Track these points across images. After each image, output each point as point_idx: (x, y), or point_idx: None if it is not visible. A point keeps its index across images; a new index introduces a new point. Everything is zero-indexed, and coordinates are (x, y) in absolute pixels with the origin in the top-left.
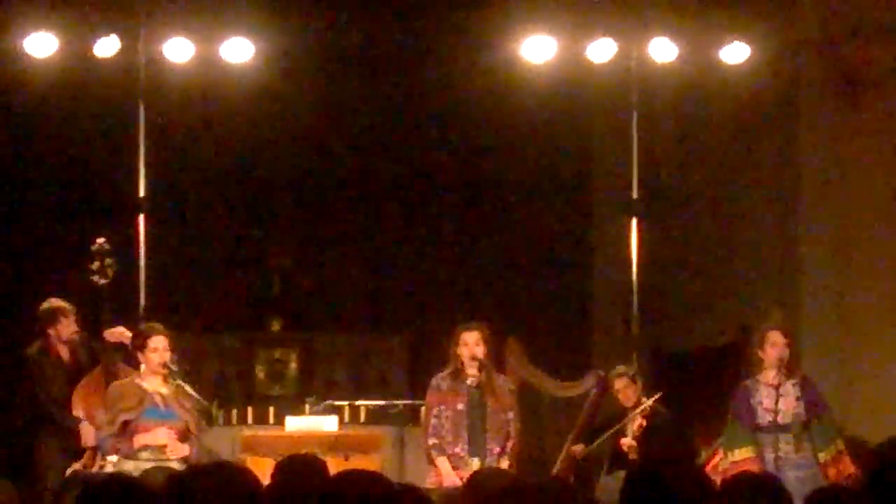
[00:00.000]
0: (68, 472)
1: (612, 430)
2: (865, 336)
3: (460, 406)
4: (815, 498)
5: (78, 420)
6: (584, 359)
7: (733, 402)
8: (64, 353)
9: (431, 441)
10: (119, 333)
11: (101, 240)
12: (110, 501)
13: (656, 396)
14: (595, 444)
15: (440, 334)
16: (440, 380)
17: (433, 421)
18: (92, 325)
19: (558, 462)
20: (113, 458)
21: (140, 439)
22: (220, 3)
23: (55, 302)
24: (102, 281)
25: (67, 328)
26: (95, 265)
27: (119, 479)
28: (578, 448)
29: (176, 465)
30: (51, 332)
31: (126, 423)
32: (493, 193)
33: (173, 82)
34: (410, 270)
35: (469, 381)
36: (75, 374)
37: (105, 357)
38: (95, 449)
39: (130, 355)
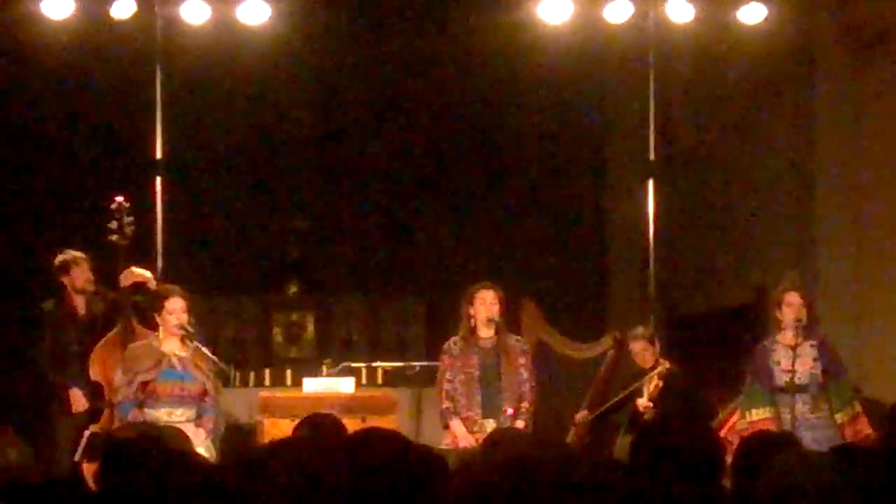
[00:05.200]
0: (87, 434)
1: (626, 392)
2: (882, 298)
3: (473, 369)
4: (832, 458)
5: (68, 385)
6: (600, 320)
7: (751, 362)
8: (80, 304)
9: (445, 405)
10: (133, 274)
11: (119, 198)
12: (139, 462)
13: (659, 369)
14: (603, 407)
15: (457, 296)
16: (452, 343)
17: (446, 385)
18: (111, 286)
19: (574, 423)
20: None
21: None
22: None
23: (68, 252)
24: (122, 241)
25: (81, 276)
26: (114, 224)
27: (147, 438)
28: (583, 414)
29: (191, 428)
30: (65, 281)
31: (144, 384)
32: (509, 155)
33: (190, 44)
34: (427, 232)
35: (482, 343)
36: (90, 327)
37: (123, 318)
38: (112, 409)
39: (148, 315)
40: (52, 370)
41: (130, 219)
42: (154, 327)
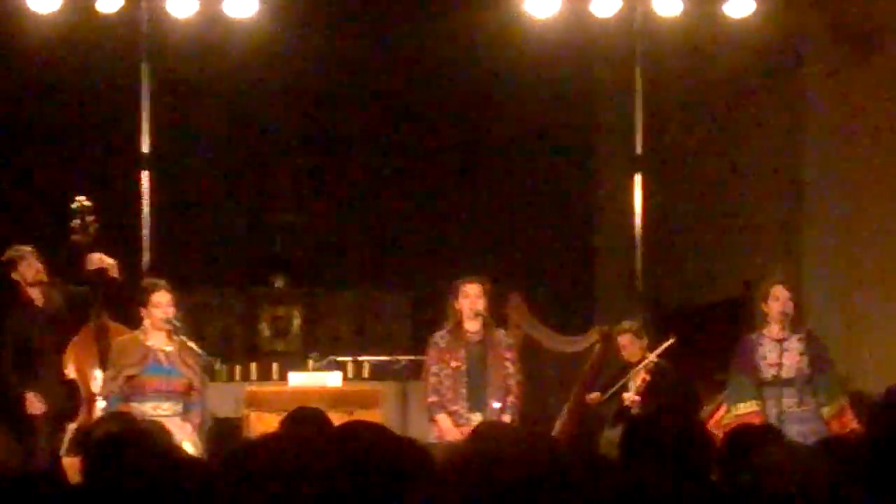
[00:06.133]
0: (70, 431)
1: (619, 384)
2: (870, 291)
3: (459, 363)
4: (817, 450)
5: (23, 391)
6: (587, 314)
7: (737, 356)
8: (37, 296)
9: (432, 399)
10: (99, 259)
11: (80, 197)
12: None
13: (669, 342)
14: (614, 388)
15: (443, 290)
16: (439, 337)
17: (433, 379)
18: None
19: (561, 417)
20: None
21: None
22: None
23: (13, 248)
24: (86, 239)
25: (30, 269)
26: (76, 223)
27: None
28: (595, 395)
29: (177, 422)
30: (15, 277)
31: (130, 378)
32: (496, 149)
33: (176, 38)
34: (414, 226)
35: (469, 337)
36: (51, 318)
37: (94, 314)
38: (91, 405)
39: (120, 310)
40: (10, 379)
41: (92, 217)
42: (126, 322)
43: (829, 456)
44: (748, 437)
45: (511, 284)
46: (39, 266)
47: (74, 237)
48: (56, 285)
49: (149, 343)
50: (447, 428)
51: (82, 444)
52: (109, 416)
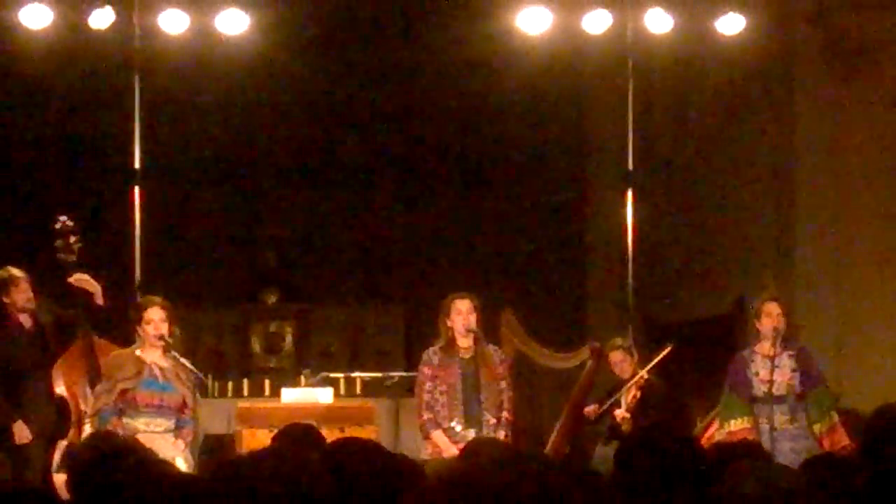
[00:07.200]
0: (61, 448)
1: (611, 401)
2: (861, 308)
3: (454, 380)
4: (809, 467)
5: (13, 418)
6: (579, 331)
7: (729, 373)
8: (25, 320)
9: (426, 416)
10: (84, 280)
11: (63, 217)
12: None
13: (666, 351)
14: (610, 401)
15: (436, 306)
16: (432, 354)
17: (426, 396)
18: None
19: (554, 433)
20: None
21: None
22: None
23: (5, 270)
24: (69, 258)
25: (21, 295)
26: (59, 243)
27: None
28: (592, 408)
29: (170, 439)
30: (6, 300)
31: (124, 392)
32: (488, 165)
33: (168, 54)
34: (406, 242)
35: (462, 353)
36: (39, 338)
37: (82, 332)
38: (80, 424)
39: (104, 329)
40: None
41: (76, 237)
42: (114, 339)
43: (819, 473)
44: (726, 455)
45: (503, 300)
46: (30, 294)
47: (59, 256)
48: (43, 305)
49: (144, 358)
50: (444, 445)
51: (69, 461)
52: (95, 434)
